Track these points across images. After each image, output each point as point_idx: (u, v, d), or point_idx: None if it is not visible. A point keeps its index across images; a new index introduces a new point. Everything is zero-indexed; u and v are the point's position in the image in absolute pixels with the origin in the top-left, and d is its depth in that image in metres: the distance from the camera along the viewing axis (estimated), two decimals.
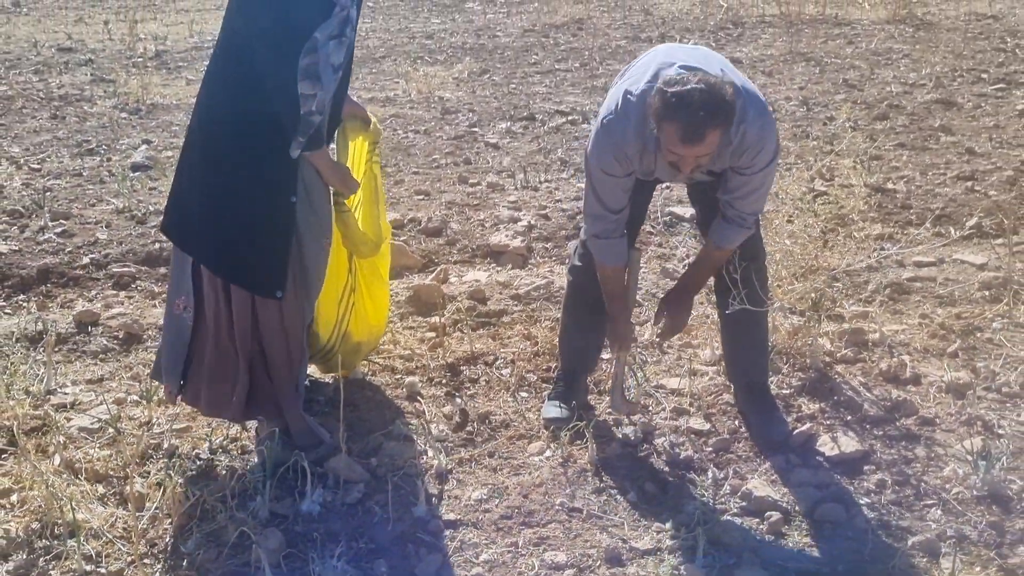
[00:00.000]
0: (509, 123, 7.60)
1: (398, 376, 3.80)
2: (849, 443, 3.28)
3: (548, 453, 3.32)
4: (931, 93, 8.20)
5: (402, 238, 5.14)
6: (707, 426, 3.44)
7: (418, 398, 3.67)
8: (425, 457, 3.30)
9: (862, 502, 3.06)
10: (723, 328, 3.53)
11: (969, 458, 3.15)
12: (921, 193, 5.77)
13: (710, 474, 3.19)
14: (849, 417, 3.47)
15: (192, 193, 3.14)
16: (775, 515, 2.96)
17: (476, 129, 7.47)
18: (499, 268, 4.94)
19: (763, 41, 10.82)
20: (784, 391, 3.61)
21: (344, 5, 2.92)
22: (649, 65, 3.02)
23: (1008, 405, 3.56)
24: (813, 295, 4.14)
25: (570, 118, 7.70)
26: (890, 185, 5.87)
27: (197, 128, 3.13)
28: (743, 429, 3.42)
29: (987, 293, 4.43)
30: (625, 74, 3.22)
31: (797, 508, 3.03)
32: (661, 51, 3.18)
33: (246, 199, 3.05)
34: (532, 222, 5.36)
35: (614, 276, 3.28)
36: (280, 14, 2.85)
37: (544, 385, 3.74)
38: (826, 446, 3.29)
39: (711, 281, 3.48)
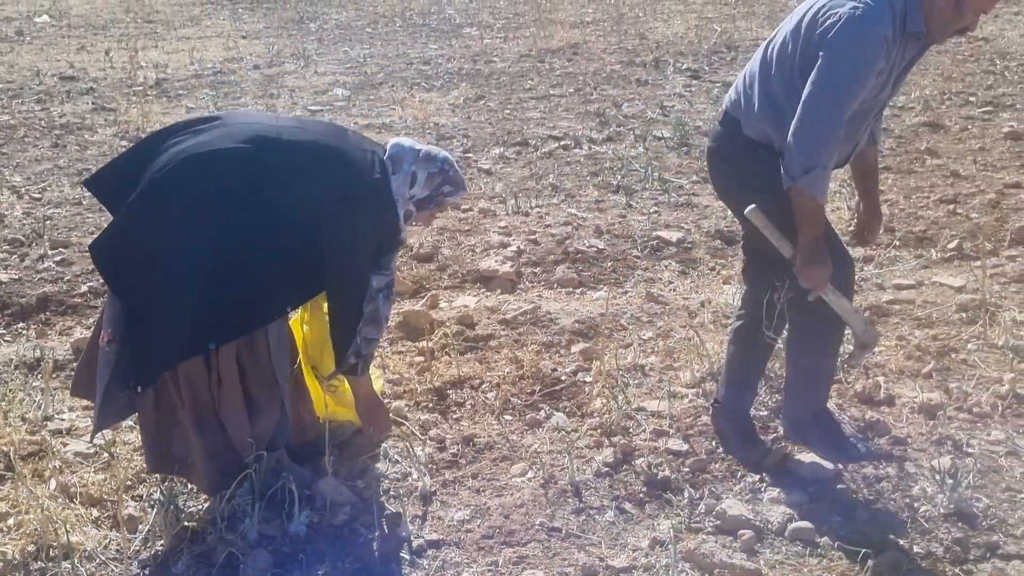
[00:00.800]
0: (502, 148, 7.72)
1: (386, 400, 3.90)
2: (821, 463, 3.38)
3: (530, 475, 3.42)
4: (919, 116, 8.32)
5: None
6: (685, 447, 3.53)
7: (404, 421, 3.77)
8: (410, 479, 3.40)
9: (833, 520, 3.15)
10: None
11: (937, 477, 3.24)
12: (904, 216, 5.88)
13: (686, 493, 3.29)
14: None
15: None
16: (748, 533, 3.06)
17: (470, 155, 7.60)
18: (488, 293, 5.05)
19: None
20: (762, 412, 3.70)
21: (393, 269, 3.34)
22: None
23: (979, 425, 3.65)
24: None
25: (563, 143, 7.81)
26: None
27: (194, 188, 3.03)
28: (720, 450, 3.52)
29: (964, 315, 4.52)
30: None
31: (770, 526, 3.12)
32: None
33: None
34: (522, 247, 5.47)
35: (822, 212, 2.99)
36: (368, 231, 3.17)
37: (527, 409, 3.84)
38: (800, 466, 3.38)
39: None
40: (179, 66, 11.44)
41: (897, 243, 5.49)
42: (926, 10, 2.86)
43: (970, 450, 3.47)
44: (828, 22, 2.86)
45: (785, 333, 3.42)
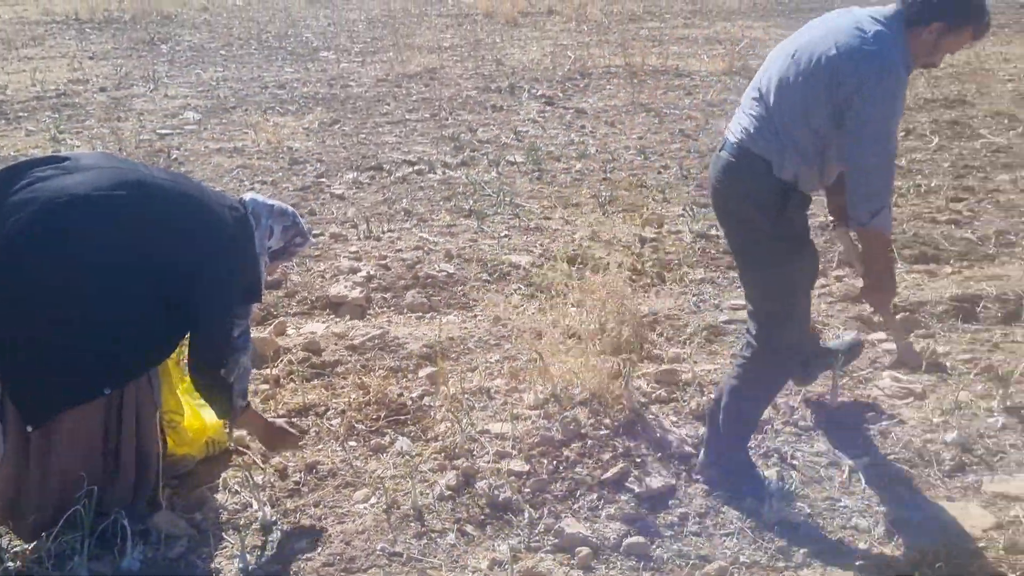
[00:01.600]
0: (356, 173, 7.71)
1: (227, 430, 3.83)
2: (656, 480, 3.49)
3: (373, 500, 3.43)
4: (720, 149, 8.67)
5: None
6: (527, 467, 3.59)
7: (246, 450, 3.72)
8: (250, 509, 3.36)
9: (666, 534, 3.26)
10: None
11: (764, 490, 3.39)
12: None
13: (527, 514, 3.35)
14: (659, 454, 3.68)
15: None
16: (585, 550, 3.14)
17: (323, 180, 7.56)
18: (337, 319, 5.03)
19: (608, 92, 11.24)
20: (601, 431, 3.80)
21: (248, 320, 3.40)
22: (834, 23, 3.22)
23: (803, 437, 3.85)
24: (632, 339, 4.40)
25: (417, 168, 7.85)
26: (714, 231, 6.20)
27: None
28: (561, 469, 3.59)
29: None
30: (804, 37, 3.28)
31: (606, 543, 3.21)
32: (811, 29, 3.31)
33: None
34: (372, 272, 5.47)
35: (890, 244, 3.38)
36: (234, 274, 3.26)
37: (372, 435, 3.84)
38: (636, 483, 3.49)
39: None
40: (20, 87, 11.02)
41: (734, 264, 5.71)
42: (913, 46, 3.21)
43: (794, 462, 3.64)
44: (856, 77, 3.04)
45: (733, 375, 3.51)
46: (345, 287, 5.26)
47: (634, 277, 5.44)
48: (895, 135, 3.13)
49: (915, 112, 9.84)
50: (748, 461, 3.56)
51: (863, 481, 3.56)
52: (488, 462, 3.64)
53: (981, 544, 3.22)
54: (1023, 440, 3.81)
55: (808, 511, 3.36)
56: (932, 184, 7.24)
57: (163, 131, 9.14)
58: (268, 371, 4.30)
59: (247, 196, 3.48)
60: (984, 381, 4.25)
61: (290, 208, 3.59)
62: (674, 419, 3.95)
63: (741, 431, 3.55)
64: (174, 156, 8.12)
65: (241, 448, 3.71)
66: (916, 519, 3.36)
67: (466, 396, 4.09)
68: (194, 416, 3.60)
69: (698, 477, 3.58)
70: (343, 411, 4.02)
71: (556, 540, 3.21)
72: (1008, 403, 4.04)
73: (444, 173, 7.72)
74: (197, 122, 9.55)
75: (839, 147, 3.16)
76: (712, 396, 3.69)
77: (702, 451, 3.62)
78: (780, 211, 3.24)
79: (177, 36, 15.52)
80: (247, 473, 3.50)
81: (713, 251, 5.89)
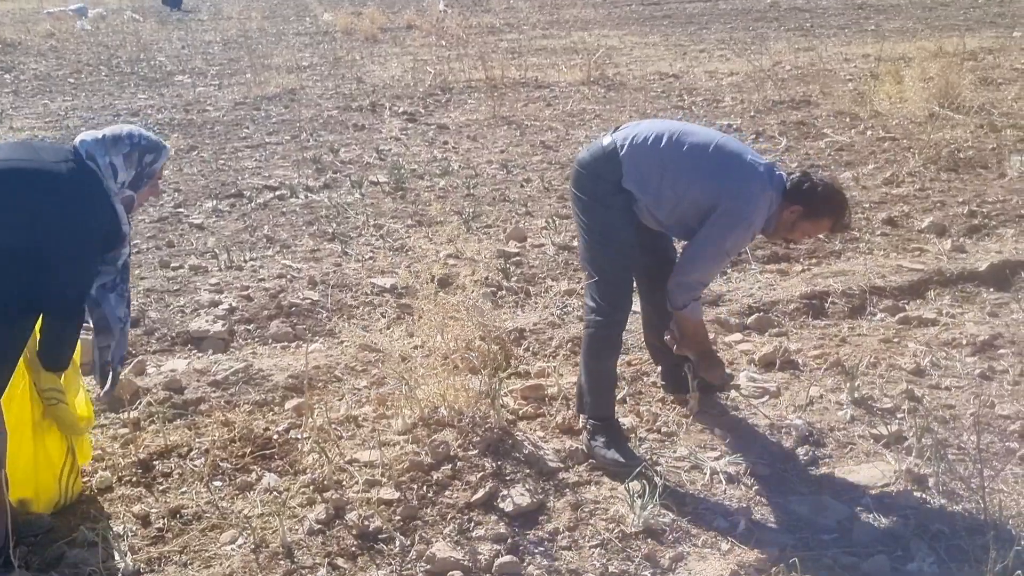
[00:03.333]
0: (216, 201, 7.56)
1: (85, 479, 3.72)
2: (525, 497, 3.54)
3: (240, 541, 3.37)
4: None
5: None
6: (397, 495, 3.58)
7: (105, 499, 3.61)
8: (111, 561, 3.26)
9: (536, 551, 3.30)
10: None
11: (628, 498, 3.47)
12: None
13: (398, 542, 3.34)
14: (528, 471, 3.73)
15: None
16: (457, 574, 3.15)
17: (181, 210, 7.39)
18: (200, 354, 4.92)
19: (469, 106, 11.33)
20: (469, 452, 3.82)
21: (124, 254, 3.26)
22: (728, 158, 3.71)
23: (666, 443, 3.95)
24: (498, 356, 4.44)
25: (278, 192, 7.76)
26: (575, 243, 6.31)
27: None
28: (431, 494, 3.60)
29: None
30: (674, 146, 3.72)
31: (478, 564, 3.23)
32: (714, 142, 3.76)
33: None
34: (234, 304, 5.38)
35: (704, 328, 4.04)
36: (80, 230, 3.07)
37: (238, 472, 3.78)
38: (505, 501, 3.53)
39: None
40: None
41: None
42: (779, 218, 3.73)
43: (658, 467, 3.74)
44: (730, 203, 3.62)
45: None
46: (206, 321, 5.15)
47: (499, 293, 5.50)
48: (728, 260, 3.98)
49: (764, 114, 10.23)
50: (615, 421, 3.96)
51: (724, 482, 3.68)
52: (358, 492, 3.62)
53: (835, 535, 3.37)
54: (870, 431, 3.99)
55: (673, 515, 3.46)
56: None
57: None
58: (127, 414, 4.18)
59: (77, 140, 3.21)
60: (833, 376, 4.45)
61: (124, 130, 3.25)
62: (541, 434, 4.01)
63: (600, 388, 3.94)
64: None
65: (97, 489, 3.60)
66: (776, 516, 3.49)
67: (333, 426, 4.05)
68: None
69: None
70: (207, 450, 3.93)
71: (428, 566, 3.21)
72: (855, 395, 4.24)
73: (306, 197, 7.64)
74: None
75: (688, 235, 3.77)
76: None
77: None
78: (612, 196, 3.74)
79: (21, 65, 14.96)
80: (105, 523, 3.39)
81: (576, 262, 5.99)
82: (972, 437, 3.85)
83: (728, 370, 4.47)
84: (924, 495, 3.56)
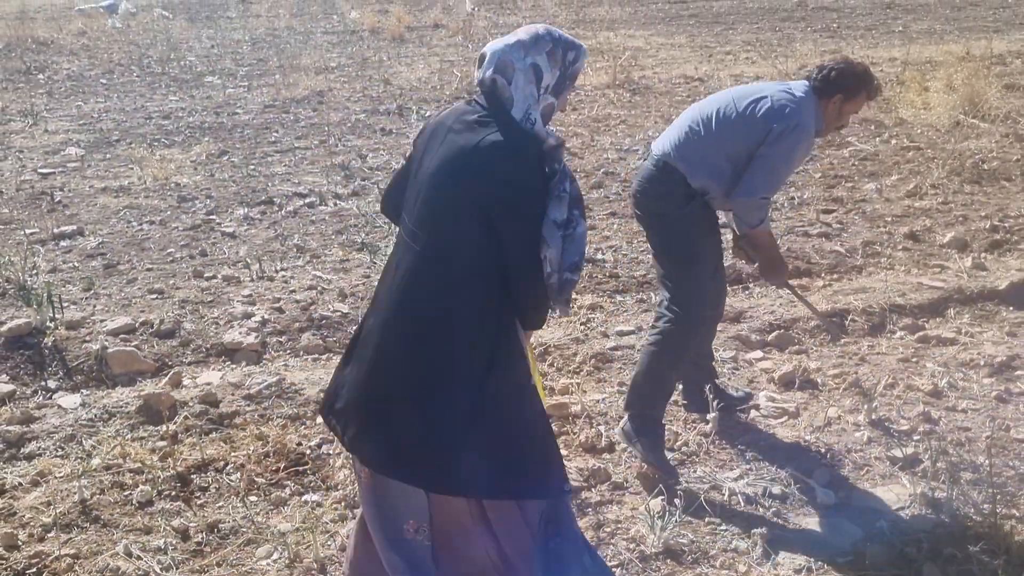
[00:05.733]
0: (247, 209, 7.71)
1: (127, 492, 3.87)
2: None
3: (275, 556, 3.51)
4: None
5: (134, 343, 5.17)
6: None
7: (146, 512, 3.76)
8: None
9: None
10: None
11: (649, 518, 3.59)
12: (627, 262, 6.36)
13: None
14: None
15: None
16: None
17: (213, 217, 7.54)
18: (233, 366, 5.07)
19: None
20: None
21: (566, 185, 2.67)
22: (760, 90, 4.03)
23: (686, 463, 4.06)
24: None
25: (308, 200, 7.90)
26: (600, 256, 6.43)
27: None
28: None
29: None
30: (726, 106, 4.01)
31: None
32: (736, 92, 4.09)
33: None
34: (266, 316, 5.52)
35: (773, 237, 4.31)
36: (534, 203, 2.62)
37: (273, 488, 3.92)
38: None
39: None
40: None
41: (621, 288, 5.95)
42: (824, 115, 4.04)
43: (678, 488, 3.85)
44: (779, 126, 3.86)
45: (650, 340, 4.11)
46: (240, 333, 5.30)
47: None
48: (781, 176, 4.02)
49: None
50: (661, 426, 4.10)
51: (742, 503, 3.79)
52: None
53: (850, 557, 3.47)
54: (887, 453, 4.09)
55: (691, 536, 3.57)
56: (804, 196, 7.61)
57: (44, 170, 8.99)
58: (165, 428, 4.33)
59: (487, 51, 2.72)
60: (851, 396, 4.54)
61: (539, 27, 2.76)
62: (564, 453, 4.11)
63: (658, 393, 4.07)
64: (57, 199, 8.00)
65: (138, 503, 3.75)
66: (792, 537, 3.59)
67: None
68: None
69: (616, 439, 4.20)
70: (242, 465, 4.08)
71: None
72: (873, 416, 4.33)
73: (335, 205, 7.78)
74: (80, 158, 9.41)
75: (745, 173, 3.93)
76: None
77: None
78: (685, 206, 3.97)
79: (55, 64, 15.18)
80: (146, 538, 3.55)
81: (600, 276, 6.10)
82: (987, 461, 3.93)
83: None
84: (938, 519, 3.65)
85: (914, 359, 4.95)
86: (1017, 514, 3.64)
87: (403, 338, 2.68)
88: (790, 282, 4.62)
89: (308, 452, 4.17)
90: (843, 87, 4.01)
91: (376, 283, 5.25)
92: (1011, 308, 5.52)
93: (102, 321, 5.40)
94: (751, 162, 3.90)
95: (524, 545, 2.79)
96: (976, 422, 4.34)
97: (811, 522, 3.69)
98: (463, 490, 2.68)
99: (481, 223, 2.58)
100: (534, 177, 2.60)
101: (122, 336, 5.25)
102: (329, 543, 3.56)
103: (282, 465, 4.07)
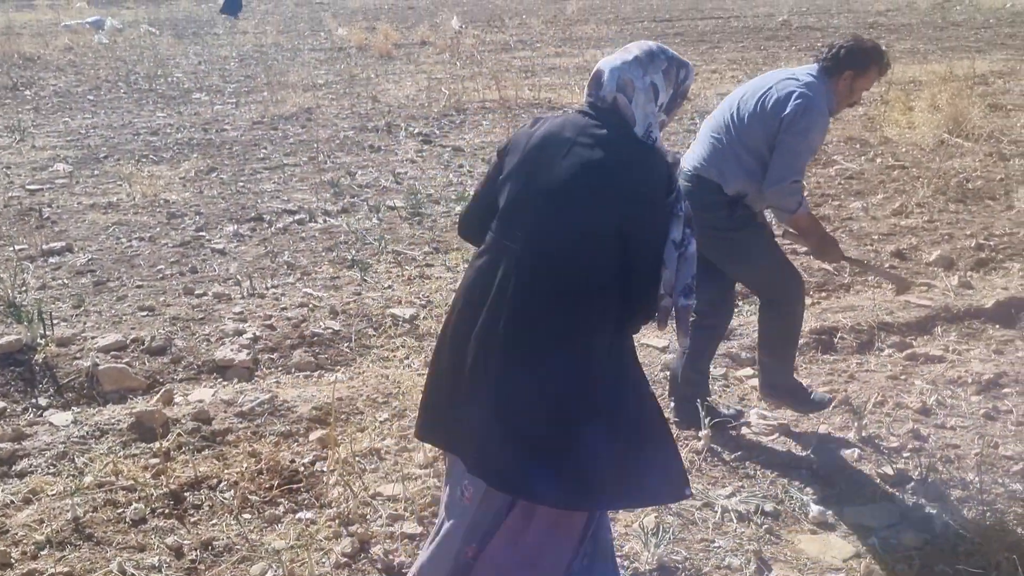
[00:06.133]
0: (236, 225, 7.71)
1: (120, 510, 3.86)
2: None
3: (270, 573, 3.51)
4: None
5: (125, 360, 5.16)
6: (419, 529, 3.73)
7: (140, 530, 3.76)
8: None
9: None
10: None
11: (643, 534, 3.61)
12: None
13: None
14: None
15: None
16: None
17: (203, 233, 7.54)
18: (225, 383, 5.07)
19: (483, 128, 11.48)
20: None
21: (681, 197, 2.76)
22: (769, 81, 4.21)
23: None
24: None
25: (297, 217, 7.90)
26: None
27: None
28: None
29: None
30: (745, 95, 4.23)
31: None
32: (745, 89, 4.29)
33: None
34: (258, 333, 5.52)
35: (817, 220, 4.48)
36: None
37: (266, 505, 3.92)
38: None
39: None
40: None
41: None
42: (836, 93, 4.17)
43: (671, 506, 3.87)
44: (789, 112, 4.02)
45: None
46: (231, 350, 5.30)
47: None
48: (803, 158, 4.11)
49: None
50: (797, 382, 4.51)
51: (735, 520, 3.81)
52: (382, 526, 3.76)
53: (843, 574, 3.50)
54: (877, 470, 4.12)
55: (685, 553, 3.59)
56: None
57: (32, 186, 8.96)
58: (158, 445, 4.33)
59: (604, 69, 2.78)
60: (841, 413, 4.58)
61: (651, 44, 2.82)
62: None
63: (785, 361, 4.43)
64: (46, 215, 7.98)
65: (131, 521, 3.74)
66: (784, 554, 3.62)
67: (357, 459, 4.20)
68: None
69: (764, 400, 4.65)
70: (235, 482, 4.08)
71: None
72: (863, 433, 4.38)
73: (325, 221, 7.80)
74: (68, 175, 9.40)
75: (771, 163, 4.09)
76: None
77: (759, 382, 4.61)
78: (729, 215, 4.17)
79: (41, 80, 15.18)
80: (139, 556, 3.54)
81: None
82: (976, 478, 3.97)
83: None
84: (929, 536, 3.68)
85: (902, 376, 5.00)
86: (1006, 531, 3.68)
87: (520, 356, 2.66)
88: (848, 256, 4.87)
89: (302, 469, 4.17)
90: (853, 63, 4.14)
91: (363, 300, 5.18)
92: (997, 326, 5.58)
93: (93, 338, 5.39)
94: (776, 151, 4.07)
95: (563, 559, 2.83)
96: (965, 439, 4.38)
97: (803, 539, 3.71)
98: (593, 503, 2.74)
99: (616, 239, 2.61)
100: (663, 195, 2.66)
101: (113, 353, 5.24)
102: (324, 560, 3.57)
103: (276, 482, 4.07)
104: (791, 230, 4.44)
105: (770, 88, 4.14)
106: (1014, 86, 13.10)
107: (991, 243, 6.89)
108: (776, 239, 4.47)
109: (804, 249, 4.69)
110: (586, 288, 2.64)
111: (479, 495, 2.81)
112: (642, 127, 2.70)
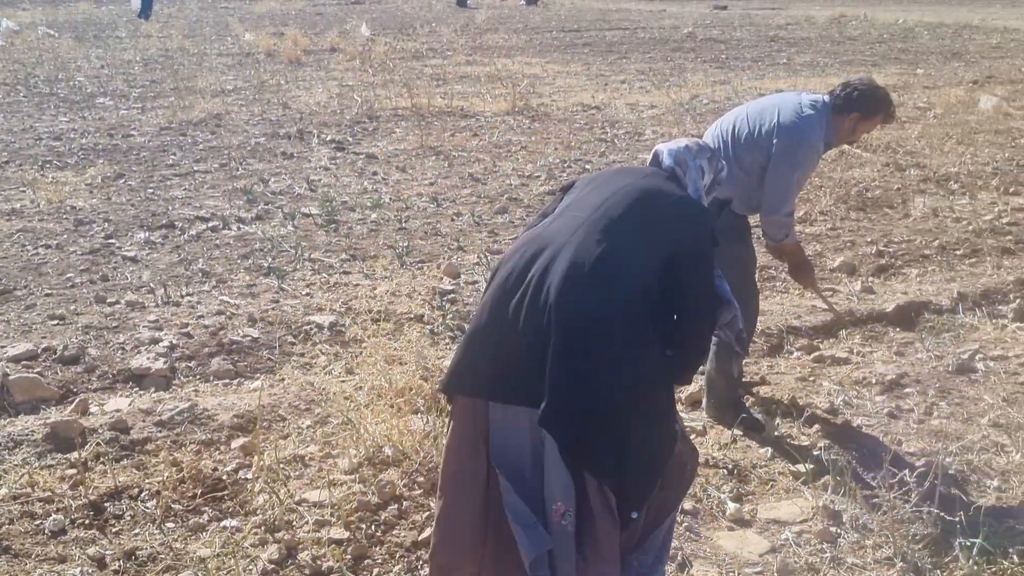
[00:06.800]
0: (148, 233, 7.58)
1: (38, 522, 3.79)
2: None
3: None
4: (544, 185, 9.15)
5: (36, 370, 5.05)
6: (346, 535, 3.74)
7: (59, 541, 3.69)
8: None
9: None
10: None
11: None
12: None
13: None
14: None
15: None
16: None
17: (113, 241, 7.40)
18: (142, 392, 5.00)
19: (397, 135, 11.49)
20: (415, 492, 3.99)
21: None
22: (776, 104, 4.45)
23: None
24: (438, 395, 4.61)
25: (211, 224, 7.81)
26: None
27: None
28: (379, 533, 3.76)
29: None
30: (736, 119, 4.50)
31: None
32: (755, 106, 4.54)
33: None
34: (174, 341, 5.45)
35: (800, 248, 4.81)
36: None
37: (190, 514, 3.89)
38: None
39: None
40: None
41: None
42: (837, 129, 4.41)
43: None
44: (782, 140, 4.28)
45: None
46: (147, 359, 5.22)
47: (436, 330, 5.68)
48: (799, 189, 4.51)
49: None
50: (739, 401, 4.69)
51: None
52: (308, 532, 3.77)
53: (758, 568, 3.63)
54: (790, 468, 4.28)
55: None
56: None
57: None
58: (75, 455, 4.25)
59: (663, 151, 3.16)
60: (755, 414, 4.73)
61: (699, 140, 3.29)
62: None
63: (731, 382, 4.66)
64: None
65: (50, 532, 3.67)
66: (703, 550, 3.74)
67: (281, 466, 4.19)
68: None
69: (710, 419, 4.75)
70: (157, 491, 4.03)
71: None
72: (775, 433, 4.54)
73: (239, 229, 7.72)
74: None
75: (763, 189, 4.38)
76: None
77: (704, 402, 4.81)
78: (716, 217, 4.22)
79: None
80: (62, 566, 3.48)
81: None
82: (882, 475, 4.15)
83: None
84: (839, 530, 3.85)
85: (811, 378, 5.20)
86: (910, 523, 3.86)
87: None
88: (818, 284, 5.26)
89: (225, 478, 4.14)
90: (862, 107, 4.36)
91: (282, 307, 5.15)
92: (898, 329, 5.84)
93: (2, 347, 5.26)
94: (768, 182, 4.32)
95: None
96: (871, 437, 4.57)
97: (722, 535, 3.84)
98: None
99: (663, 266, 2.80)
100: (709, 244, 2.97)
101: (24, 363, 5.12)
102: (250, 568, 3.55)
103: (199, 491, 4.04)
104: (773, 252, 4.77)
105: (773, 112, 4.37)
106: (908, 99, 13.64)
107: (891, 250, 7.18)
108: (754, 254, 4.72)
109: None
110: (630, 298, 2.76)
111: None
112: (694, 194, 3.08)
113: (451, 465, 2.92)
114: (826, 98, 4.44)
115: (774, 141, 4.28)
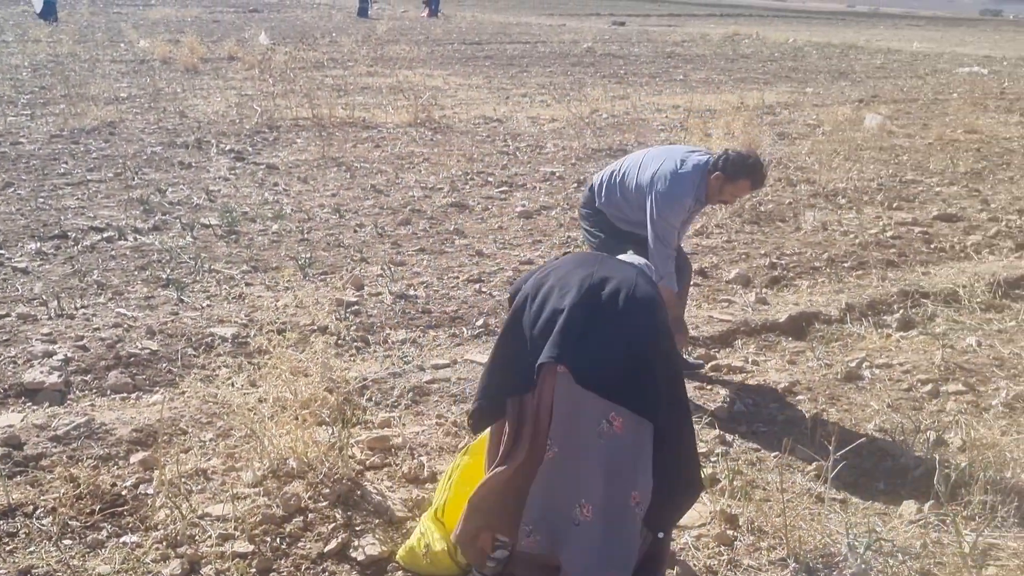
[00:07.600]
0: (39, 243, 7.37)
1: None
2: (375, 546, 3.73)
3: None
4: (447, 197, 9.19)
5: None
6: (251, 548, 3.71)
7: None
8: None
9: None
10: None
11: None
12: (439, 297, 6.52)
13: None
14: (377, 520, 3.93)
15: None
16: None
17: (2, 251, 7.16)
18: (35, 407, 4.86)
19: (298, 145, 11.39)
20: (320, 503, 3.98)
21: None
22: (665, 155, 4.99)
23: None
24: (344, 406, 4.61)
25: (105, 235, 7.63)
26: (412, 291, 6.56)
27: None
28: (285, 546, 3.74)
29: None
30: (629, 167, 5.10)
31: None
32: (654, 151, 5.16)
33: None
34: (69, 355, 5.32)
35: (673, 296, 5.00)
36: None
37: (88, 530, 3.80)
38: (356, 551, 3.71)
39: None
40: None
41: (433, 323, 6.09)
42: (708, 188, 4.81)
43: None
44: (657, 195, 4.81)
45: None
46: (41, 372, 5.09)
47: (341, 342, 5.66)
48: (672, 238, 4.91)
49: (584, 162, 10.80)
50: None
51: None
52: (212, 546, 3.72)
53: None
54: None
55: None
56: None
57: None
58: None
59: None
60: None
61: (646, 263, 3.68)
62: (388, 484, 4.21)
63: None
64: None
65: None
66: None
67: (183, 480, 4.13)
68: None
69: None
70: (53, 508, 3.93)
71: None
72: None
73: (136, 239, 7.56)
74: None
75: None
76: None
77: None
78: (593, 215, 5.24)
79: None
80: None
81: (412, 312, 6.23)
82: (778, 479, 4.31)
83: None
84: (736, 533, 3.97)
85: (708, 386, 5.35)
86: (803, 526, 4.01)
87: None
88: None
89: (124, 493, 4.06)
90: (725, 169, 4.74)
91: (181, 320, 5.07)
92: (790, 338, 6.05)
93: None
94: (650, 242, 4.81)
95: None
96: (765, 443, 4.73)
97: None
98: None
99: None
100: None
101: None
102: None
103: (97, 507, 3.94)
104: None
105: (658, 164, 4.87)
106: (798, 116, 14.12)
107: (783, 262, 7.44)
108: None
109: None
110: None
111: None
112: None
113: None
114: (701, 156, 4.90)
115: (648, 195, 4.81)
